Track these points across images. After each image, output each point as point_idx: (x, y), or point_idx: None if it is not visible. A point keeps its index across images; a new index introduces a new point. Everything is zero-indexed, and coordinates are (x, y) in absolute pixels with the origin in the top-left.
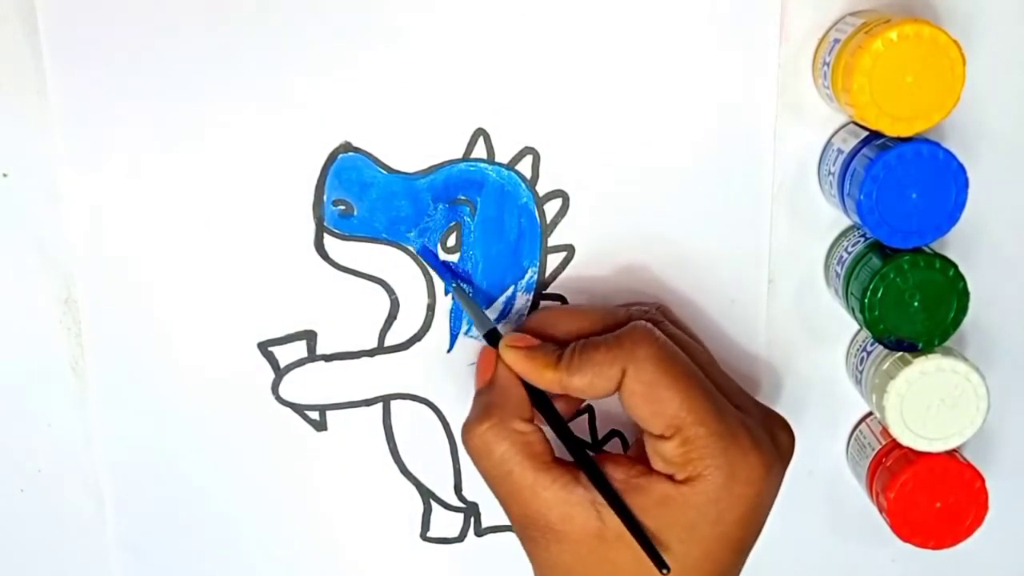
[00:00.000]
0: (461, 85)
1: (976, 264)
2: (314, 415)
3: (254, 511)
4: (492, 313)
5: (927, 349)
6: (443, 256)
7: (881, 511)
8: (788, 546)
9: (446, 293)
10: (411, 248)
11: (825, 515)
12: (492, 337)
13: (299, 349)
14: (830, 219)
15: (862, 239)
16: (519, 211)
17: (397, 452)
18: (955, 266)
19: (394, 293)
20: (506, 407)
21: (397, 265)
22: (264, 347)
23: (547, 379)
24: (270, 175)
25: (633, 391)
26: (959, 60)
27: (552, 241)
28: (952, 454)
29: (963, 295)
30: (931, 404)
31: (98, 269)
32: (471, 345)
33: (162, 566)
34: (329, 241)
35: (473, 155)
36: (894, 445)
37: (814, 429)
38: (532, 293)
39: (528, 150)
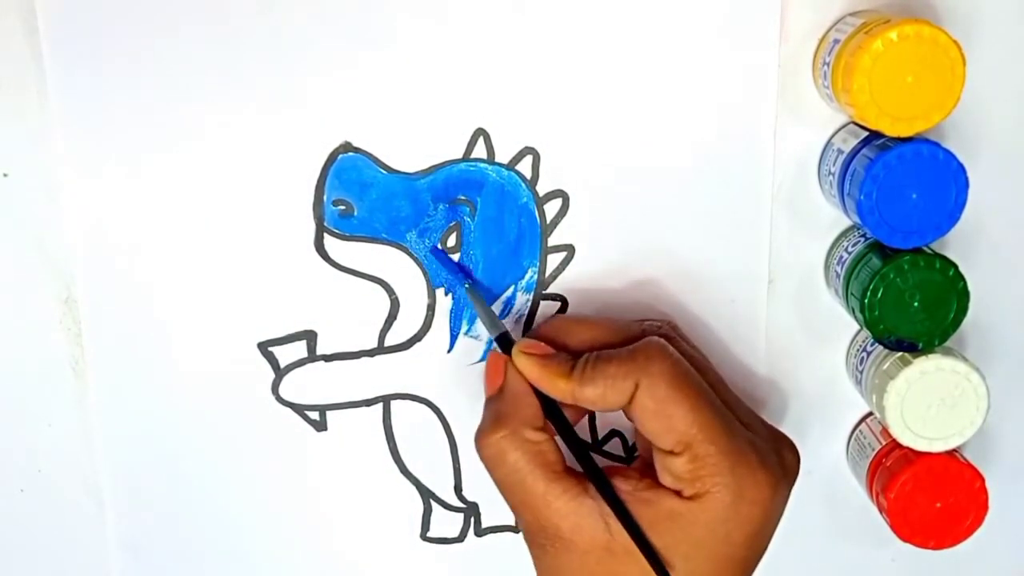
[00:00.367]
0: (461, 85)
1: (976, 264)
2: (314, 415)
3: (254, 511)
4: None
5: (927, 349)
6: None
7: (881, 511)
8: (788, 546)
9: (446, 293)
10: (411, 248)
11: (825, 515)
12: (503, 341)
13: (299, 349)
14: (830, 219)
15: (862, 239)
16: (519, 211)
17: (397, 452)
18: (955, 266)
19: (394, 293)
20: (519, 416)
21: (397, 265)
22: (264, 347)
23: (559, 388)
24: (270, 175)
25: (645, 406)
26: (959, 60)
27: (552, 241)
28: (952, 454)
29: (963, 295)
30: (931, 404)
31: (98, 269)
32: (471, 345)
33: (162, 566)
34: (329, 241)
35: (473, 155)
36: (894, 445)
37: (814, 429)
38: (532, 293)
39: (528, 150)
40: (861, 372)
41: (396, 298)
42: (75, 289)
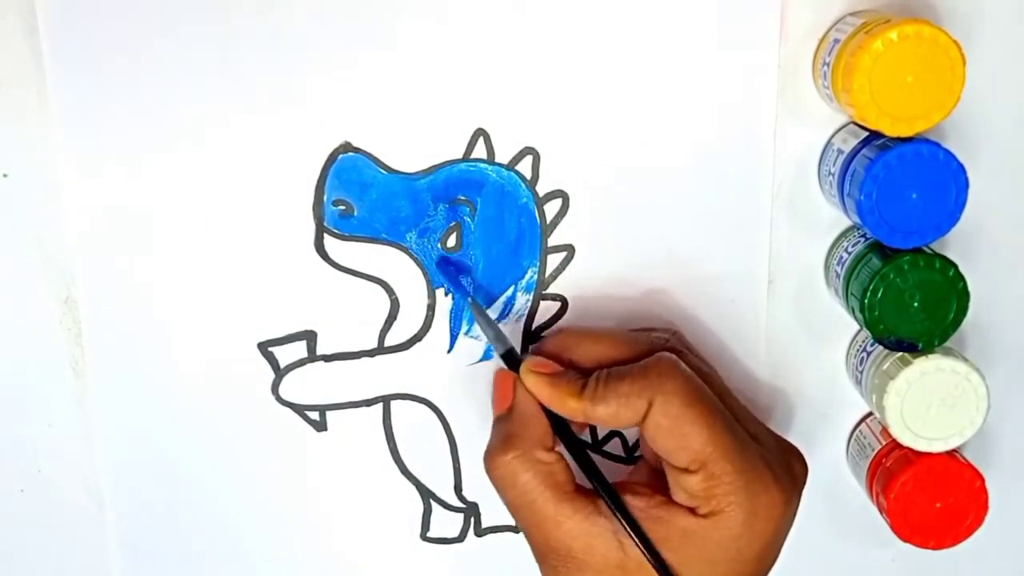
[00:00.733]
0: (461, 85)
1: (976, 264)
2: (314, 415)
3: (254, 511)
4: (492, 313)
5: (927, 349)
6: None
7: (881, 511)
8: (788, 546)
9: (446, 293)
10: (411, 248)
11: (825, 515)
12: (509, 358)
13: (299, 349)
14: (830, 219)
15: (862, 239)
16: (519, 211)
17: (397, 452)
18: (955, 266)
19: (394, 293)
20: (529, 436)
21: (397, 265)
22: (264, 347)
23: (570, 408)
24: (270, 175)
25: (659, 425)
26: (959, 60)
27: (552, 241)
28: (952, 454)
29: (963, 295)
30: (931, 404)
31: (98, 269)
32: (471, 345)
33: (162, 566)
34: (329, 241)
35: (473, 155)
36: (894, 445)
37: (814, 429)
38: (532, 293)
39: (528, 150)
40: (861, 372)
41: (396, 298)
42: (75, 289)
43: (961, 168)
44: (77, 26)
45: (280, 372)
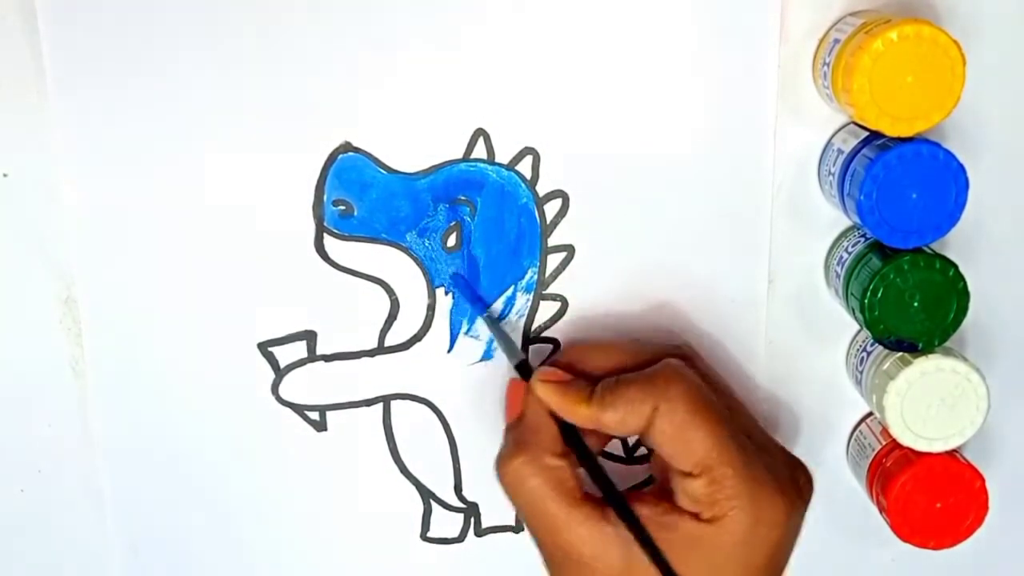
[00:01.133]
0: (461, 85)
1: (976, 264)
2: (314, 415)
3: (254, 511)
4: (492, 313)
5: (927, 349)
6: (443, 256)
7: (881, 511)
8: None
9: (446, 292)
10: (411, 248)
11: (825, 515)
12: (522, 369)
13: (299, 349)
14: (830, 219)
15: (862, 239)
16: (519, 211)
17: (397, 452)
18: (955, 266)
19: (394, 293)
20: (538, 442)
21: (397, 265)
22: (264, 347)
23: (580, 414)
24: (270, 175)
25: (663, 430)
26: (959, 60)
27: (552, 241)
28: (952, 454)
29: (963, 295)
30: (931, 404)
31: (98, 269)
32: (471, 345)
33: (162, 566)
34: (329, 241)
35: (473, 155)
36: (894, 445)
37: (814, 429)
38: (532, 293)
39: (528, 150)
40: (861, 372)
41: (396, 298)
42: (75, 289)
43: (961, 168)
44: (77, 26)
45: (280, 372)
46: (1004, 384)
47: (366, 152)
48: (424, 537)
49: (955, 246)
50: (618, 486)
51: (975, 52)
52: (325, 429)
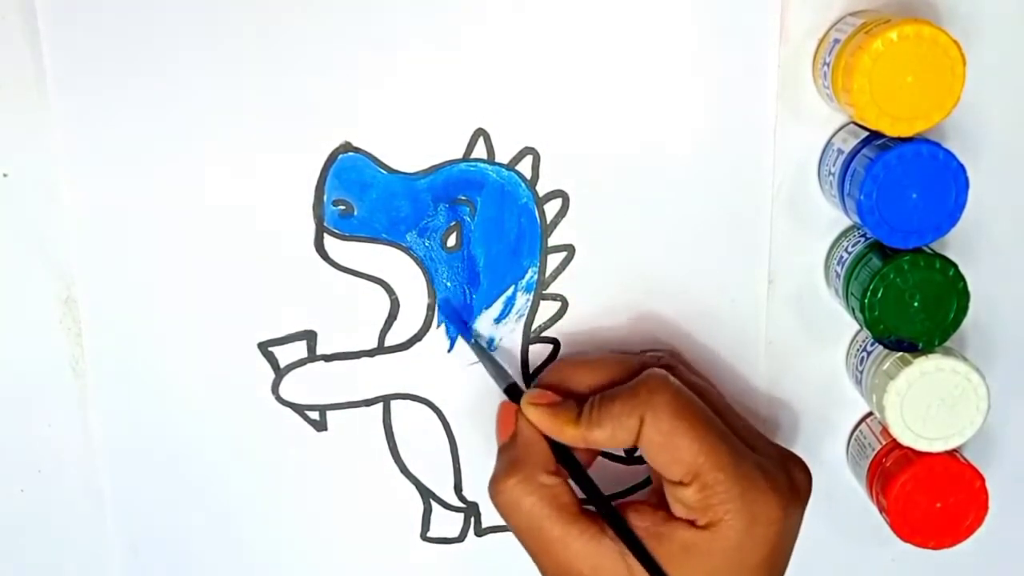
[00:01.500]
0: (461, 85)
1: (976, 264)
2: (314, 415)
3: (254, 511)
4: (492, 313)
5: (927, 349)
6: (443, 256)
7: (881, 511)
8: None
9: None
10: (411, 248)
11: (825, 515)
12: (512, 391)
13: (299, 349)
14: (830, 219)
15: (862, 239)
16: (519, 211)
17: (397, 452)
18: (955, 266)
19: (394, 293)
20: (531, 462)
21: (397, 265)
22: (264, 347)
23: (569, 435)
24: (270, 175)
25: (651, 440)
26: (959, 60)
27: (552, 241)
28: (952, 454)
29: (963, 295)
30: (931, 404)
31: (98, 269)
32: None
33: (162, 566)
34: (329, 241)
35: (473, 155)
36: (894, 445)
37: (814, 429)
38: (532, 293)
39: (528, 150)
40: (861, 372)
41: (396, 298)
42: (75, 289)
43: (961, 168)
44: (77, 26)
45: (280, 372)
46: (1004, 384)
47: (366, 152)
48: (424, 537)
49: (955, 246)
50: (618, 487)
51: (975, 52)
52: (325, 429)
